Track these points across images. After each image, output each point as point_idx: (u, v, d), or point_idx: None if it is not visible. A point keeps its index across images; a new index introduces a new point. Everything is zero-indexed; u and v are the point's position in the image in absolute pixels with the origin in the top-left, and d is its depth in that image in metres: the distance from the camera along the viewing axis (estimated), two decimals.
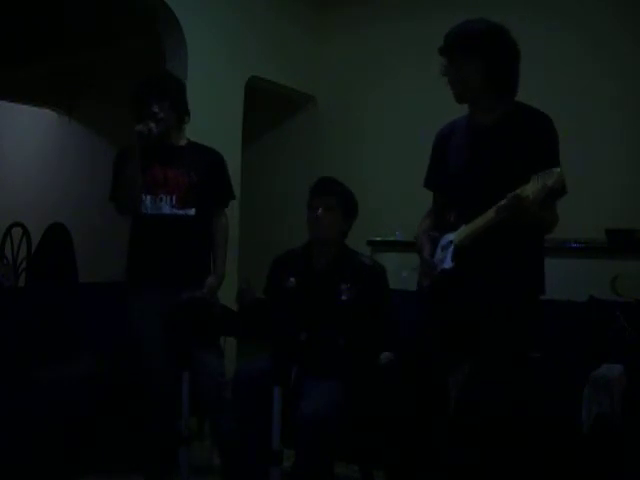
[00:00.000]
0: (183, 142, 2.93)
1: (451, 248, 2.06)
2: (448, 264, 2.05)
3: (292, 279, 2.63)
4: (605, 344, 2.97)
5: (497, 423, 2.01)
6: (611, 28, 3.81)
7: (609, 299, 3.21)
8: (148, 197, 2.79)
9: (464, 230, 2.05)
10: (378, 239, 4.33)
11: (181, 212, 2.81)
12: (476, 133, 2.15)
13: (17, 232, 5.67)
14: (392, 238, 4.32)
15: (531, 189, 1.82)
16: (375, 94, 4.71)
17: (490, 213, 1.94)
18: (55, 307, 3.34)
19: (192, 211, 2.82)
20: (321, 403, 2.30)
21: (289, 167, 5.07)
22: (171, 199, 2.80)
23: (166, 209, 2.79)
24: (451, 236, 2.09)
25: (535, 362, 2.36)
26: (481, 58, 2.05)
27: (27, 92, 6.72)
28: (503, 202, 1.87)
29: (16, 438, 2.80)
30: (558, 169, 1.83)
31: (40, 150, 7.05)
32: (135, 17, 4.77)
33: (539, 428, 2.57)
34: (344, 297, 2.54)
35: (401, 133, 4.56)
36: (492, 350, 2.03)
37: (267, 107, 5.02)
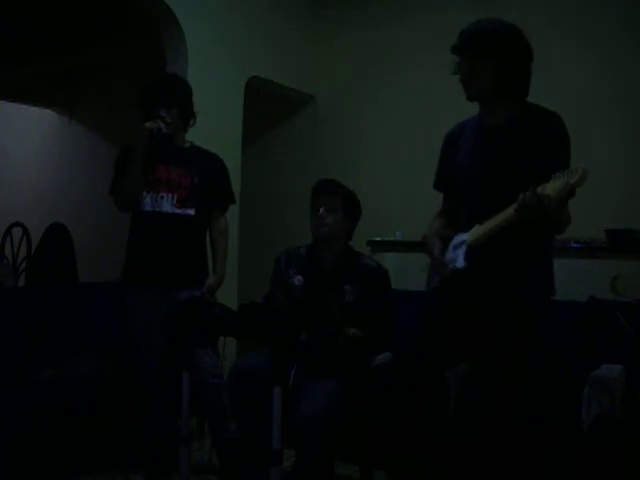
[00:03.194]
0: (187, 144, 2.95)
1: (464, 248, 2.04)
2: (460, 264, 2.02)
3: (300, 277, 2.63)
4: (605, 344, 2.97)
5: (497, 423, 2.01)
6: (612, 28, 3.81)
7: (609, 299, 3.21)
8: (149, 195, 2.81)
9: (478, 230, 2.03)
10: (378, 239, 4.33)
11: (181, 211, 2.82)
12: (486, 133, 2.15)
13: (17, 232, 5.66)
14: (392, 238, 4.32)
15: (552, 187, 1.78)
16: (375, 94, 4.71)
17: (509, 212, 1.90)
18: (55, 307, 3.34)
19: (192, 211, 2.84)
20: (321, 403, 2.30)
21: (289, 167, 5.07)
22: (172, 198, 2.81)
23: (166, 207, 2.81)
24: (464, 236, 2.07)
25: (536, 362, 2.35)
26: (494, 58, 2.04)
27: (27, 92, 6.72)
28: (522, 201, 1.83)
29: (16, 438, 2.80)
30: (582, 166, 1.79)
31: (40, 150, 7.04)
32: (135, 17, 4.77)
33: (539, 428, 2.57)
34: (348, 298, 2.55)
35: (401, 133, 4.56)
36: (499, 350, 2.03)
37: (267, 107, 5.02)
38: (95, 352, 3.27)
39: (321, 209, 2.61)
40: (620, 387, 2.67)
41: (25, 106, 7.00)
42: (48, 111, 6.89)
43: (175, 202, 2.81)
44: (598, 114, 3.81)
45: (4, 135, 7.40)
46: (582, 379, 2.67)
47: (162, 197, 2.81)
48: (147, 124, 2.74)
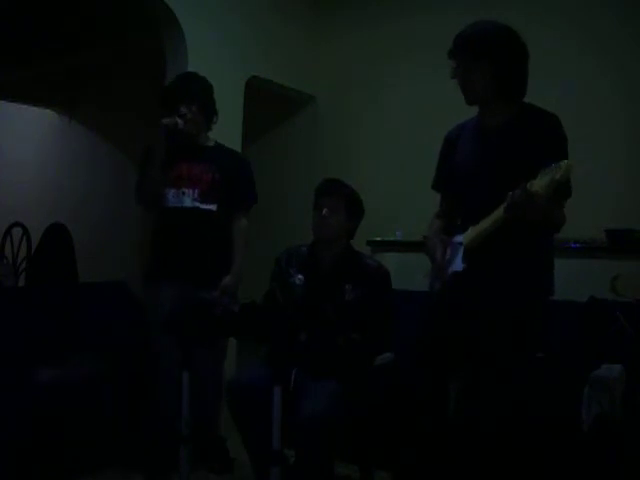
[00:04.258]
0: (211, 143, 2.97)
1: (461, 250, 2.05)
2: (459, 266, 2.03)
3: (300, 276, 2.64)
4: (605, 344, 2.97)
5: (498, 425, 2.01)
6: (612, 28, 3.81)
7: (609, 299, 3.21)
8: (171, 191, 2.83)
9: (472, 231, 2.04)
10: (378, 239, 4.33)
11: (202, 206, 2.83)
12: (485, 135, 2.15)
13: (17, 232, 5.66)
14: (392, 238, 4.32)
15: (539, 184, 1.80)
16: (375, 94, 4.71)
17: (499, 212, 1.92)
18: (55, 307, 3.34)
19: (213, 207, 2.85)
20: (321, 403, 2.30)
21: (289, 167, 5.07)
22: (193, 192, 2.83)
23: (187, 202, 2.82)
24: (460, 237, 2.08)
25: (536, 362, 2.36)
26: (488, 60, 2.05)
27: (27, 92, 6.72)
28: (511, 199, 1.85)
29: (16, 438, 2.80)
30: (566, 161, 1.80)
31: (40, 150, 7.04)
32: (135, 17, 4.77)
33: (539, 428, 2.57)
34: (348, 297, 2.55)
35: (401, 133, 4.55)
36: (499, 352, 2.03)
37: (267, 107, 5.02)
38: (95, 352, 3.27)
39: (324, 210, 2.61)
40: (620, 387, 2.67)
41: (25, 106, 7.00)
42: (48, 111, 6.88)
43: (196, 196, 2.82)
44: (598, 114, 3.81)
45: (4, 135, 7.40)
46: (582, 379, 2.67)
47: (183, 192, 2.83)
48: (164, 120, 2.75)
